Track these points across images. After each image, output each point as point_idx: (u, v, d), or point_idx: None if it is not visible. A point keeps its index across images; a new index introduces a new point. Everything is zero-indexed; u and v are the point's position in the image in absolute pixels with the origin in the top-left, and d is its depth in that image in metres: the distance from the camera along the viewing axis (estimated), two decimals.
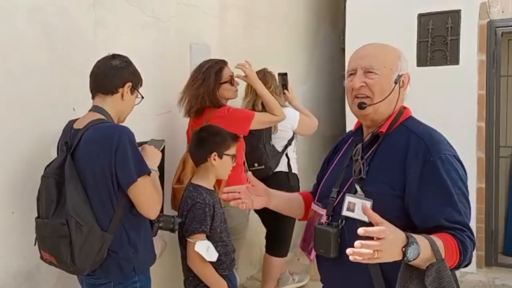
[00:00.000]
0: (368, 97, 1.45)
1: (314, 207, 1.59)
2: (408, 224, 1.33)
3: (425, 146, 1.37)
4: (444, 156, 1.36)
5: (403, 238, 1.16)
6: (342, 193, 1.48)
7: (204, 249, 2.07)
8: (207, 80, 2.63)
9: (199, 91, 2.61)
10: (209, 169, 2.23)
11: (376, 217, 1.16)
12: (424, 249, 1.18)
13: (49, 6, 2.08)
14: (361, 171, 1.45)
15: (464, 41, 3.67)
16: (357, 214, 1.39)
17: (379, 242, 1.10)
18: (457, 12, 3.68)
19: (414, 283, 1.22)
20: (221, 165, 2.22)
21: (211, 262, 2.13)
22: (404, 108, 1.52)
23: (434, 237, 1.25)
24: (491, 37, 3.60)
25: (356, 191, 1.44)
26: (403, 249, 1.14)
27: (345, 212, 1.43)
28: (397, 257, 1.15)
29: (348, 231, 1.41)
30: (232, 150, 2.26)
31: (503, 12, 3.55)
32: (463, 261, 1.29)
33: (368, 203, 1.36)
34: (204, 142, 2.22)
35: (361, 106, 1.45)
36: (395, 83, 1.45)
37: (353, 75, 1.47)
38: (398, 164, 1.38)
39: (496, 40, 3.60)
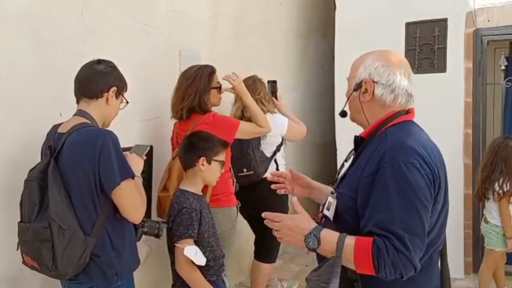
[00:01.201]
0: None
1: (320, 206, 1.64)
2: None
3: (384, 152, 1.35)
4: (397, 163, 1.30)
5: (308, 229, 1.36)
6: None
7: (192, 253, 2.07)
8: (198, 81, 2.62)
9: (188, 91, 2.59)
10: (197, 174, 2.23)
11: (297, 208, 1.44)
12: (326, 242, 1.32)
13: (38, 12, 2.10)
14: (341, 173, 1.54)
15: (451, 49, 3.72)
16: (329, 213, 1.47)
17: (275, 224, 1.42)
18: (444, 21, 3.73)
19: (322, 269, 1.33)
20: (209, 171, 2.23)
21: (199, 268, 2.13)
22: (408, 112, 1.49)
23: (349, 236, 1.31)
24: (477, 45, 3.65)
25: (333, 192, 1.51)
26: (305, 239, 1.34)
27: (325, 211, 1.49)
28: (301, 243, 1.36)
29: (325, 227, 1.45)
30: (221, 157, 2.27)
31: (488, 21, 3.60)
32: (380, 268, 1.25)
33: (334, 202, 1.47)
34: (194, 147, 2.23)
35: (340, 114, 1.59)
36: (355, 90, 1.48)
37: None
38: (362, 168, 1.40)
39: (482, 49, 3.65)
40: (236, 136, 2.64)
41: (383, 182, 1.31)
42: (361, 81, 1.46)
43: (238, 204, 2.77)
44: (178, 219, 2.13)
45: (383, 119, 1.45)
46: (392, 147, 1.35)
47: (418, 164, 1.31)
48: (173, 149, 2.75)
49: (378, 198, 1.31)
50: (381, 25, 3.89)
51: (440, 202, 1.38)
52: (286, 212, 3.20)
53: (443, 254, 1.47)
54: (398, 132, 1.41)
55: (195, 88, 2.62)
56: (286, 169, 3.30)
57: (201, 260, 2.09)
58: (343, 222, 1.41)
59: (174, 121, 2.85)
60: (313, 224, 1.38)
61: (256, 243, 3.29)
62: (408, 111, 1.50)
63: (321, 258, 1.50)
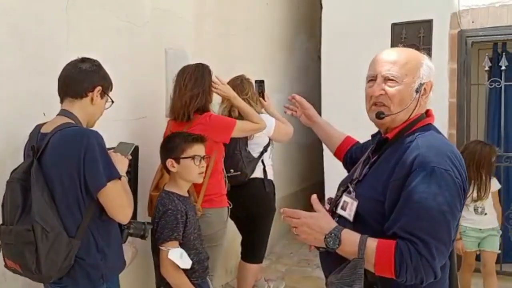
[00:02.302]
0: (385, 105, 1.43)
1: (326, 203, 1.61)
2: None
3: (417, 156, 1.31)
4: (431, 168, 1.28)
5: (328, 228, 1.35)
6: (343, 192, 1.51)
7: (177, 256, 2.05)
8: (202, 80, 2.60)
9: (195, 91, 2.56)
10: (175, 176, 2.22)
11: (316, 206, 1.42)
12: (347, 243, 1.31)
13: (20, 9, 2.04)
14: (361, 174, 1.49)
15: (436, 50, 3.75)
16: (347, 213, 1.44)
17: (294, 220, 1.39)
18: (429, 22, 3.77)
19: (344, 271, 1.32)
20: (182, 169, 2.19)
21: (184, 270, 2.11)
22: (428, 115, 1.48)
23: (371, 238, 1.29)
24: (461, 46, 3.69)
25: (351, 192, 1.47)
26: (326, 238, 1.33)
27: (339, 210, 1.47)
28: (321, 242, 1.35)
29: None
30: (190, 152, 2.19)
31: (473, 22, 3.65)
32: (401, 272, 1.24)
33: (354, 203, 1.43)
34: (161, 152, 2.27)
35: (379, 116, 1.44)
36: (416, 92, 1.41)
37: (373, 81, 1.45)
38: (389, 171, 1.37)
39: (466, 50, 3.69)
40: (234, 135, 2.64)
41: (413, 186, 1.28)
42: (424, 83, 1.42)
43: (230, 205, 2.76)
44: (163, 221, 2.10)
45: (410, 120, 1.42)
46: (426, 151, 1.31)
47: (452, 172, 1.29)
48: None
49: (407, 202, 1.28)
50: (367, 25, 3.91)
51: (461, 205, 1.36)
52: (273, 212, 3.19)
53: (451, 256, 1.43)
54: (428, 137, 1.38)
55: (202, 88, 2.60)
56: (273, 169, 3.30)
57: (186, 263, 2.07)
58: (365, 225, 1.38)
59: (161, 120, 2.82)
60: (334, 224, 1.37)
61: (243, 243, 3.27)
62: (428, 113, 1.49)
63: (325, 260, 1.51)
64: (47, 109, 2.07)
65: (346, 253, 1.32)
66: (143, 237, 2.00)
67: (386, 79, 1.41)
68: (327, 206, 1.55)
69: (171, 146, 2.23)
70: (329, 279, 1.35)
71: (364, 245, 1.27)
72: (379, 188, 1.36)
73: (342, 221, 1.43)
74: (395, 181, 1.32)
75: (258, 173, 3.14)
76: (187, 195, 2.26)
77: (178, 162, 2.18)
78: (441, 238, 1.26)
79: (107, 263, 1.76)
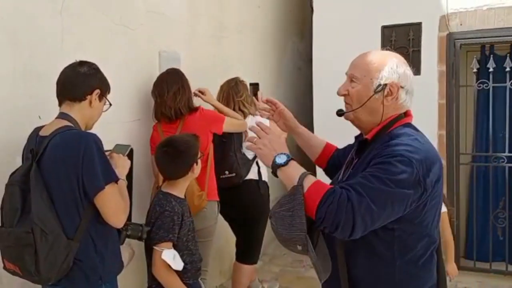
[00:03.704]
0: (349, 104, 1.51)
1: None
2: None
3: (384, 148, 1.37)
4: (394, 154, 1.32)
5: (282, 150, 1.42)
6: None
7: (170, 257, 2.06)
8: (177, 78, 2.74)
9: (174, 87, 2.69)
10: (187, 179, 2.25)
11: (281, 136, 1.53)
12: (292, 168, 1.37)
13: (14, 12, 2.05)
14: (344, 175, 1.53)
15: (425, 52, 3.81)
16: None
17: (262, 133, 1.47)
18: (418, 25, 3.82)
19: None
20: (198, 169, 2.28)
21: (176, 271, 2.12)
22: (406, 115, 1.51)
23: (312, 174, 1.34)
24: (450, 48, 3.75)
25: None
26: (275, 155, 1.40)
27: None
28: (269, 159, 1.41)
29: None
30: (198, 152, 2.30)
31: (461, 25, 3.71)
32: (322, 204, 1.24)
33: None
34: (181, 157, 2.20)
35: (337, 113, 1.55)
36: (375, 92, 1.45)
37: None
38: (363, 169, 1.40)
39: (455, 52, 3.75)
40: (224, 129, 2.81)
41: (373, 164, 1.33)
42: (386, 84, 1.45)
43: (218, 200, 2.88)
44: (159, 221, 2.11)
45: (387, 121, 1.47)
46: (393, 146, 1.36)
47: (415, 163, 1.30)
48: (154, 149, 2.75)
49: (363, 173, 1.32)
50: (358, 28, 3.96)
51: (437, 200, 1.38)
52: (267, 213, 3.22)
53: (438, 252, 1.48)
54: (402, 136, 1.42)
55: (180, 84, 2.72)
56: (267, 170, 3.33)
57: (178, 264, 2.08)
58: None
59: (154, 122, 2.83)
60: (287, 150, 1.43)
61: (238, 244, 3.30)
62: (406, 113, 1.51)
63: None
64: (42, 112, 2.08)
65: (287, 177, 1.36)
66: (140, 238, 2.02)
67: (351, 80, 1.51)
68: None
69: (195, 151, 2.25)
70: (271, 210, 1.37)
71: (305, 175, 1.32)
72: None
73: None
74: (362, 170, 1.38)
75: (252, 175, 3.17)
76: (183, 197, 2.28)
77: (197, 163, 2.24)
78: (377, 202, 1.25)
79: (105, 265, 1.77)
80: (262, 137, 1.47)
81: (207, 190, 2.68)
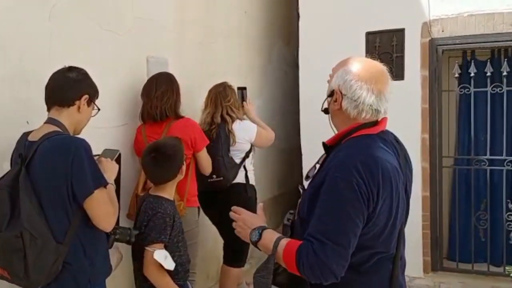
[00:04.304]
0: None
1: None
2: None
3: (330, 167, 1.41)
4: (335, 178, 1.37)
5: (256, 225, 1.52)
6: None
7: (162, 257, 2.08)
8: (169, 81, 2.78)
9: (163, 88, 2.73)
10: (175, 181, 2.30)
11: (259, 211, 1.65)
12: (266, 240, 1.48)
13: (3, 17, 2.06)
14: (309, 178, 1.60)
15: (408, 58, 3.88)
16: (301, 214, 1.55)
17: (236, 216, 1.60)
18: (402, 31, 3.90)
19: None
20: (184, 169, 2.35)
21: (167, 272, 2.14)
22: (376, 124, 1.49)
23: (285, 239, 1.45)
24: (432, 54, 3.83)
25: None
26: (250, 232, 1.51)
27: (300, 213, 1.56)
28: (247, 236, 1.53)
29: (296, 227, 1.56)
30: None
31: (443, 31, 3.79)
32: (301, 268, 1.34)
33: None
34: (170, 161, 2.25)
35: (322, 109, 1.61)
36: (328, 96, 1.54)
37: None
38: (318, 176, 1.50)
39: (437, 57, 3.83)
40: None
41: (322, 195, 1.40)
42: (333, 90, 1.50)
43: (198, 205, 2.94)
44: (152, 223, 2.14)
45: (347, 130, 1.49)
46: (338, 162, 1.40)
47: (355, 182, 1.34)
48: (138, 151, 2.78)
49: (317, 209, 1.40)
50: (343, 34, 4.02)
51: (377, 215, 1.39)
52: None
53: (394, 261, 1.50)
54: (349, 148, 1.45)
55: (170, 87, 2.76)
56: (254, 174, 3.36)
57: (170, 264, 2.11)
58: (305, 223, 1.46)
59: None
60: (263, 224, 1.55)
61: (225, 248, 3.32)
62: (377, 123, 1.50)
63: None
64: (30, 117, 2.09)
65: (265, 249, 1.47)
66: (128, 242, 2.04)
67: None
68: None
69: (182, 154, 2.32)
70: (253, 275, 1.50)
71: (277, 244, 1.43)
72: (312, 192, 1.48)
73: (297, 221, 1.57)
74: (313, 188, 1.47)
75: (240, 179, 3.20)
76: (173, 199, 2.31)
77: (184, 164, 2.31)
78: (337, 241, 1.33)
79: (94, 268, 1.79)
80: (237, 219, 1.60)
81: (187, 197, 2.71)
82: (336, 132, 1.56)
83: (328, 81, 1.57)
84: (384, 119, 1.53)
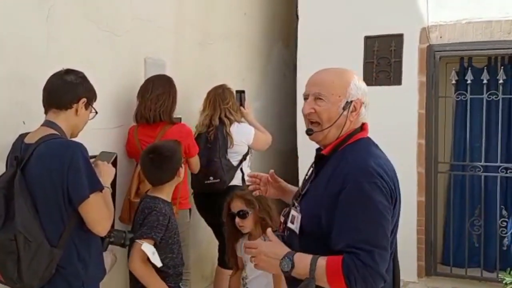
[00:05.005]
0: (317, 122, 1.53)
1: (281, 216, 1.69)
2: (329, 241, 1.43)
3: (346, 173, 1.41)
4: (360, 183, 1.38)
5: (282, 254, 1.43)
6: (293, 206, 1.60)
7: (150, 251, 2.07)
8: (167, 84, 2.78)
9: (160, 91, 2.73)
10: (173, 183, 2.30)
11: (271, 237, 1.52)
12: (300, 265, 1.39)
13: (0, 19, 2.06)
14: (303, 188, 1.59)
15: (406, 63, 3.89)
16: (294, 227, 1.54)
17: (253, 251, 1.49)
18: (400, 36, 3.91)
19: None
20: (183, 172, 2.36)
21: (159, 274, 2.14)
22: (363, 129, 1.56)
23: (321, 258, 1.38)
24: (430, 60, 3.83)
25: (296, 206, 1.56)
26: (280, 263, 1.41)
27: (289, 224, 1.56)
28: (277, 268, 1.43)
29: (289, 240, 1.54)
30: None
31: (441, 37, 3.80)
32: (352, 284, 1.32)
33: (299, 216, 1.53)
34: (167, 162, 2.26)
35: (308, 132, 1.56)
36: (344, 109, 1.50)
37: (306, 100, 1.56)
38: (323, 187, 1.47)
39: (435, 63, 3.84)
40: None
41: (348, 202, 1.38)
42: (352, 101, 1.51)
43: (191, 208, 2.99)
44: (146, 220, 2.15)
45: (343, 137, 1.52)
46: (355, 168, 1.42)
47: (379, 183, 1.39)
48: (135, 155, 2.77)
49: (345, 218, 1.38)
50: (341, 38, 4.03)
51: (396, 214, 1.47)
52: None
53: (394, 259, 1.55)
54: (356, 152, 1.48)
55: (166, 90, 2.76)
56: None
57: (157, 261, 2.08)
58: (309, 237, 1.48)
59: None
60: (287, 249, 1.45)
61: (220, 249, 3.33)
62: (363, 127, 1.57)
63: (291, 285, 1.56)
64: (27, 118, 2.09)
65: (300, 275, 1.39)
66: (123, 245, 2.04)
67: (316, 98, 1.52)
68: (282, 219, 1.65)
69: (180, 156, 2.33)
70: None
71: (314, 265, 1.36)
72: (316, 203, 1.47)
73: (290, 234, 1.55)
74: (329, 197, 1.42)
75: (236, 181, 3.21)
76: (170, 200, 2.32)
77: (182, 167, 2.32)
78: (381, 245, 1.36)
79: (88, 272, 1.80)
80: (256, 254, 1.49)
81: (179, 200, 2.71)
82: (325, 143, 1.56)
83: (324, 95, 1.51)
84: (367, 124, 1.60)
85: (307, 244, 1.45)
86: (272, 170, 1.88)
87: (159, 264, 2.09)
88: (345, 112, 1.50)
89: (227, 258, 2.35)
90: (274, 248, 1.47)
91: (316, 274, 1.36)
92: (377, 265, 1.33)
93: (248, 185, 1.99)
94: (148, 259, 2.09)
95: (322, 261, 1.36)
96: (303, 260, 1.39)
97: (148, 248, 2.05)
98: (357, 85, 1.53)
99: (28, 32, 2.20)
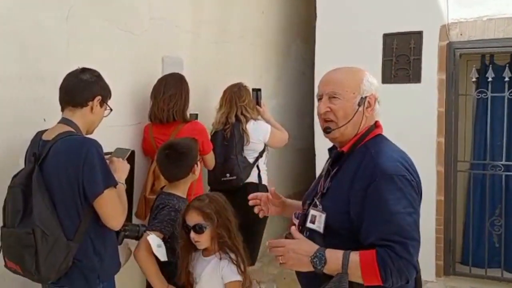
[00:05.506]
0: (333, 121, 1.55)
1: (293, 218, 1.69)
2: (358, 236, 1.43)
3: (373, 166, 1.43)
4: (389, 176, 1.39)
5: (312, 250, 1.42)
6: (310, 206, 1.60)
7: (155, 242, 2.06)
8: (179, 83, 2.81)
9: (172, 91, 2.76)
10: (188, 180, 2.33)
11: (296, 235, 1.50)
12: (332, 261, 1.39)
13: (21, 18, 2.12)
14: (323, 187, 1.58)
15: (425, 60, 3.84)
16: (316, 226, 1.52)
17: (280, 249, 1.46)
18: (420, 33, 3.85)
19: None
20: (198, 170, 2.38)
21: (165, 271, 2.15)
22: (376, 126, 1.58)
23: (353, 253, 1.37)
24: (450, 57, 3.78)
25: (317, 205, 1.56)
26: (312, 259, 1.40)
27: (308, 224, 1.55)
28: (308, 265, 1.41)
29: (312, 240, 1.51)
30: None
31: (461, 34, 3.74)
32: (387, 277, 1.33)
33: (322, 215, 1.51)
34: (182, 159, 2.29)
35: (326, 130, 1.58)
36: (359, 105, 1.53)
37: (320, 100, 1.59)
38: (349, 182, 1.47)
39: (455, 61, 3.78)
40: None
41: (378, 195, 1.39)
42: (366, 96, 1.54)
43: None
44: (158, 214, 2.19)
45: (361, 133, 1.54)
46: (382, 161, 1.44)
47: (408, 176, 1.42)
48: (150, 153, 2.83)
49: (376, 211, 1.38)
50: (360, 35, 4.00)
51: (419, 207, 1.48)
52: (265, 217, 3.26)
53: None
54: (380, 147, 1.51)
55: (179, 90, 2.79)
56: (267, 174, 3.39)
57: (161, 254, 2.07)
58: (335, 235, 1.47)
59: None
60: (316, 246, 1.45)
61: None
62: (376, 124, 1.60)
63: (305, 280, 1.58)
64: (47, 115, 2.15)
65: (332, 271, 1.39)
66: (137, 238, 2.09)
67: (330, 97, 1.54)
68: (295, 221, 1.64)
69: (195, 153, 2.36)
70: None
71: (347, 260, 1.37)
72: (343, 199, 1.46)
73: (312, 234, 1.53)
74: (358, 191, 1.43)
75: (253, 178, 3.24)
76: (185, 197, 2.35)
77: (197, 165, 2.34)
78: (413, 236, 1.38)
79: (103, 265, 1.85)
80: (283, 252, 1.47)
81: (194, 196, 2.74)
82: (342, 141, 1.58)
83: (339, 93, 1.53)
84: (379, 121, 1.62)
85: (333, 242, 1.45)
86: (273, 188, 1.87)
87: (162, 258, 2.08)
88: (360, 108, 1.53)
89: (178, 273, 2.05)
90: (302, 245, 1.46)
91: (349, 269, 1.36)
92: (412, 256, 1.34)
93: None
94: None
95: (354, 255, 1.37)
96: (334, 256, 1.39)
97: (153, 239, 2.05)
98: (370, 80, 1.56)
99: (48, 32, 2.26)
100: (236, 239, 2.04)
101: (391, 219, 1.37)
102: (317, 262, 1.40)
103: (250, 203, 1.92)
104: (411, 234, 1.37)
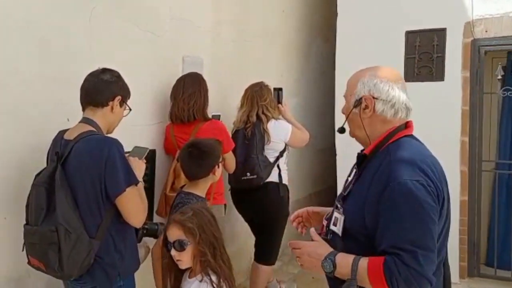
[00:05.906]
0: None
1: (323, 220, 1.69)
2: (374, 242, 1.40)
3: (389, 171, 1.39)
4: (404, 181, 1.34)
5: (324, 254, 1.43)
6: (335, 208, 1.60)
7: None
8: (197, 82, 2.83)
9: (190, 91, 2.78)
10: (208, 180, 2.34)
11: (315, 237, 1.53)
12: (342, 265, 1.39)
13: (45, 21, 2.17)
14: (346, 190, 1.58)
15: (449, 58, 3.77)
16: (337, 229, 1.52)
17: (297, 251, 1.51)
18: (443, 31, 3.79)
19: None
20: (219, 172, 2.38)
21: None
22: (407, 126, 1.53)
23: (363, 258, 1.36)
24: (474, 55, 3.70)
25: (339, 208, 1.55)
26: (322, 263, 1.42)
27: (331, 226, 1.55)
28: (320, 269, 1.43)
29: (333, 243, 1.51)
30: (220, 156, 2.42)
31: (486, 31, 3.66)
32: (394, 286, 1.30)
33: (341, 218, 1.51)
34: (204, 158, 2.30)
35: (338, 130, 1.64)
36: (354, 106, 1.52)
37: None
38: (367, 187, 1.45)
39: (479, 58, 3.70)
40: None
41: (391, 201, 1.35)
42: (361, 98, 1.51)
43: (226, 203, 2.99)
44: None
45: (384, 135, 1.50)
46: (397, 166, 1.39)
47: (424, 181, 1.35)
48: (172, 152, 2.86)
49: (389, 217, 1.35)
50: (382, 33, 3.95)
51: (444, 215, 1.42)
52: (286, 215, 3.26)
53: (445, 264, 1.50)
54: (400, 150, 1.44)
55: (197, 88, 2.81)
56: (288, 174, 3.38)
57: None
58: (352, 239, 1.46)
59: None
60: (329, 249, 1.45)
61: (257, 245, 3.36)
62: (407, 125, 1.54)
63: (330, 282, 1.57)
64: (70, 115, 2.19)
65: (343, 275, 1.38)
66: (156, 236, 2.12)
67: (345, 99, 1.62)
68: (324, 222, 1.64)
69: (218, 154, 2.36)
70: None
71: (356, 266, 1.35)
72: (360, 203, 1.44)
73: (334, 237, 1.53)
74: (373, 196, 1.40)
75: (273, 177, 3.24)
76: (204, 197, 2.37)
77: (218, 166, 2.34)
78: (426, 246, 1.32)
79: (123, 262, 1.88)
80: (299, 254, 1.51)
81: (213, 195, 2.76)
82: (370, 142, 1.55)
83: (345, 95, 1.58)
84: (411, 122, 1.56)
85: (351, 246, 1.44)
86: (310, 208, 1.89)
87: None
88: (355, 110, 1.52)
89: None
90: (317, 249, 1.48)
91: (358, 275, 1.35)
92: (421, 267, 1.29)
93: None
94: None
95: (363, 262, 1.35)
96: (344, 261, 1.39)
97: None
98: (364, 82, 1.51)
99: (71, 32, 2.30)
100: (222, 259, 1.80)
101: (402, 227, 1.33)
102: (327, 266, 1.41)
103: (294, 224, 1.93)
104: (422, 242, 1.31)
